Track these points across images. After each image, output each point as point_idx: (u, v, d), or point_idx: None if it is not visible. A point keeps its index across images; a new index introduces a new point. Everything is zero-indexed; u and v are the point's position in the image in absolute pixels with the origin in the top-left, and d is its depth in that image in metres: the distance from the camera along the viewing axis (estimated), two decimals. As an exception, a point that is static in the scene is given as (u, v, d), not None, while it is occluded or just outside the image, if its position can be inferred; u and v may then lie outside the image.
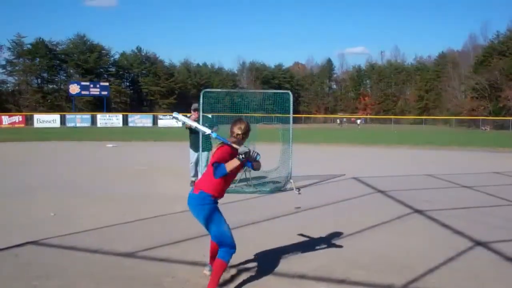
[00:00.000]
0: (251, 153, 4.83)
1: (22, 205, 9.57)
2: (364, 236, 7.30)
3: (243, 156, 4.76)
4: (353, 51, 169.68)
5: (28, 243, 6.68)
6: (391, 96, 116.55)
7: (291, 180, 11.98)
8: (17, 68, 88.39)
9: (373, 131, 57.56)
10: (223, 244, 4.93)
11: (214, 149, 5.12)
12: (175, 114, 5.48)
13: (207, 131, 5.11)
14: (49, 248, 6.54)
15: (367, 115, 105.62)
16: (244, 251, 5.15)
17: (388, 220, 8.38)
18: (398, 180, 13.68)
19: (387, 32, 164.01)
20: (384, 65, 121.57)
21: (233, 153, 4.90)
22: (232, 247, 4.94)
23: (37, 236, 7.01)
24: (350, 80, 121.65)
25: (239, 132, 5.15)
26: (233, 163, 4.79)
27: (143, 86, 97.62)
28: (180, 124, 5.26)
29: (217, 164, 4.79)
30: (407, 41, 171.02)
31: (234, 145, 4.90)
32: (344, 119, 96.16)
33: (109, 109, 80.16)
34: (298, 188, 11.69)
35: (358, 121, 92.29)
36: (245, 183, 11.95)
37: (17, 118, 65.04)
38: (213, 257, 5.29)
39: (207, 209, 4.95)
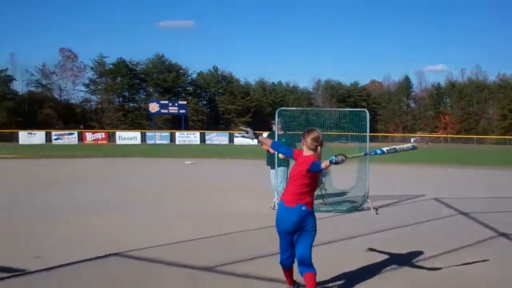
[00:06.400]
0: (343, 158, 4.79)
1: (104, 218, 9.90)
2: (445, 259, 7.05)
3: (337, 160, 4.75)
4: (432, 69, 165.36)
5: (112, 255, 6.91)
6: (473, 114, 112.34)
7: (368, 200, 11.79)
8: (99, 87, 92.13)
9: (454, 151, 55.72)
10: (307, 264, 4.95)
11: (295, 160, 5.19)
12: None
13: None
14: (132, 260, 6.75)
15: (447, 134, 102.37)
16: (320, 271, 5.09)
17: (471, 243, 8.05)
18: (482, 202, 13.13)
19: (468, 50, 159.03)
20: (465, 83, 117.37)
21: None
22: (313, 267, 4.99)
23: (121, 248, 7.24)
24: (429, 98, 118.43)
25: (317, 144, 5.07)
26: (326, 163, 4.81)
27: (219, 104, 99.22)
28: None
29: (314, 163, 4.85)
30: (489, 58, 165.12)
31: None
32: (419, 139, 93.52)
33: (187, 127, 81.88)
34: (376, 208, 11.49)
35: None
36: (321, 201, 11.84)
37: (100, 135, 67.76)
38: (290, 276, 5.31)
39: (311, 222, 5.00)
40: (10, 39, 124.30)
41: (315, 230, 5.07)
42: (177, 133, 69.95)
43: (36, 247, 7.36)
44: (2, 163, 26.72)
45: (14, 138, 62.84)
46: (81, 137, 65.83)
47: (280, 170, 11.39)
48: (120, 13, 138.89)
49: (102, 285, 5.65)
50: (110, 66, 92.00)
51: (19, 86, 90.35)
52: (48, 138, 63.88)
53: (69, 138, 64.63)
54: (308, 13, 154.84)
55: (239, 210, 11.19)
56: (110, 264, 6.56)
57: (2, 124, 73.81)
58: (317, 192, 11.91)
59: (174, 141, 67.28)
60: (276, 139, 10.99)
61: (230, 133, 72.98)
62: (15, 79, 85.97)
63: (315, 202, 11.69)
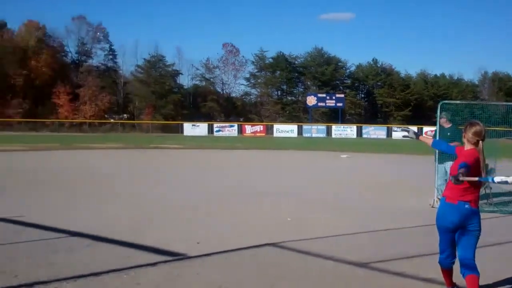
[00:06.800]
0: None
1: (260, 208, 10.20)
2: None
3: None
4: None
5: (267, 245, 7.08)
6: None
7: (539, 201, 10.91)
8: (259, 80, 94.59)
9: None
10: (469, 266, 4.72)
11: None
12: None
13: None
14: (285, 251, 6.85)
15: None
16: (483, 274, 4.80)
17: None
18: None
19: None
20: None
21: (477, 163, 4.69)
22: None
23: (274, 238, 7.39)
24: None
25: (478, 138, 4.79)
26: (473, 179, 4.55)
27: (377, 97, 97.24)
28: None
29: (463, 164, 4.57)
30: None
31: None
32: None
33: (344, 121, 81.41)
34: (547, 211, 10.61)
35: None
36: (485, 200, 11.16)
37: (259, 127, 69.75)
38: (449, 277, 5.09)
39: (475, 222, 4.79)
40: (177, 34, 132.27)
41: (479, 231, 4.79)
42: (334, 127, 69.81)
43: (199, 233, 7.76)
44: (171, 152, 28.70)
45: (180, 129, 66.94)
46: (240, 130, 68.30)
47: (443, 166, 10.85)
48: (281, 7, 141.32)
49: (255, 274, 5.80)
50: (270, 60, 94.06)
51: (185, 80, 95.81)
52: (210, 130, 67.12)
53: (230, 130, 67.36)
54: (473, 1, 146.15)
55: (396, 206, 10.91)
56: (264, 253, 6.72)
57: (169, 116, 78.94)
58: (481, 191, 11.25)
59: (330, 135, 67.22)
60: (438, 134, 10.58)
61: (388, 127, 71.35)
62: (181, 73, 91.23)
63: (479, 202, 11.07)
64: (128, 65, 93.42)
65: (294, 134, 66.54)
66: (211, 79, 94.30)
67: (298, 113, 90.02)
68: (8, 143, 33.14)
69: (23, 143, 34.21)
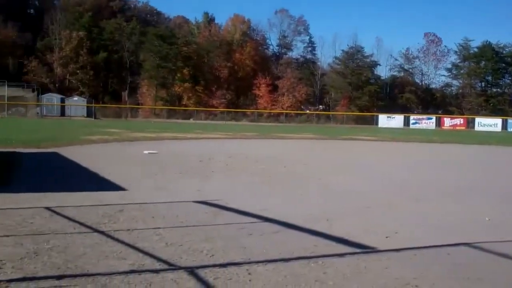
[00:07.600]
0: None
1: (457, 206, 9.76)
2: None
3: None
4: None
5: (461, 244, 6.77)
6: None
7: None
8: (462, 71, 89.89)
9: None
10: None
11: None
12: None
13: None
14: (481, 252, 6.50)
15: None
16: None
17: None
18: None
19: None
20: None
21: None
22: None
23: (470, 238, 7.03)
24: None
25: None
26: None
27: None
28: None
29: None
30: None
31: None
32: None
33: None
34: None
35: None
36: None
37: (459, 120, 66.64)
38: None
39: None
40: (377, 24, 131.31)
41: None
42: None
43: (389, 227, 7.64)
44: (365, 144, 28.65)
45: (374, 121, 66.46)
46: (439, 122, 65.84)
47: None
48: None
49: (447, 273, 5.57)
50: (475, 49, 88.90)
51: (383, 71, 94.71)
52: (406, 122, 65.63)
53: (427, 123, 65.34)
54: None
55: None
56: (458, 253, 6.44)
57: (364, 107, 78.64)
58: None
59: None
60: None
61: None
62: (379, 64, 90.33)
63: None
64: (326, 56, 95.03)
65: (498, 128, 62.46)
66: (410, 70, 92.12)
67: (503, 106, 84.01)
68: (212, 132, 35.69)
69: (225, 131, 36.58)
